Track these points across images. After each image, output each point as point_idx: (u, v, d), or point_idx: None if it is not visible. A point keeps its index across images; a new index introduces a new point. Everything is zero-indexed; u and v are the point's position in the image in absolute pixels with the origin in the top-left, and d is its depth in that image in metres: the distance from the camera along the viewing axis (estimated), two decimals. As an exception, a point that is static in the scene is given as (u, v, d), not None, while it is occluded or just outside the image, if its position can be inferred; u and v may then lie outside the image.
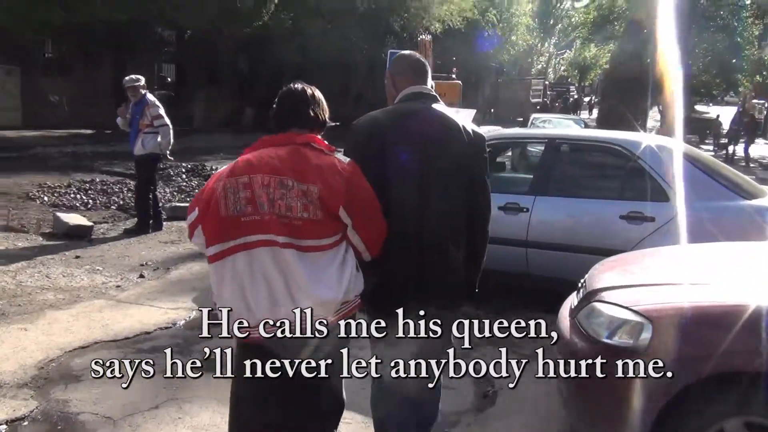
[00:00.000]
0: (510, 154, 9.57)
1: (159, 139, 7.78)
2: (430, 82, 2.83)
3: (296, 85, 2.55)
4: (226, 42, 22.21)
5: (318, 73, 25.31)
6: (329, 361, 2.35)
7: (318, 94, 2.57)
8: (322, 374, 2.34)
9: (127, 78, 7.81)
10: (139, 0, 17.92)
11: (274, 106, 2.54)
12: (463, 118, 2.79)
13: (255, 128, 24.40)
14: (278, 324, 2.26)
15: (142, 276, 6.03)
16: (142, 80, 7.86)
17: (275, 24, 20.56)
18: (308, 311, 2.25)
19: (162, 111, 7.79)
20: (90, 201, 10.04)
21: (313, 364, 2.32)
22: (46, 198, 9.96)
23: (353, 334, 2.44)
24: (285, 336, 2.26)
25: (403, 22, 26.48)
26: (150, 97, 7.83)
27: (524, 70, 47.37)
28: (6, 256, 6.36)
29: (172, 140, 7.90)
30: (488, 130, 6.68)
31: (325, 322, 2.28)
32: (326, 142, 2.45)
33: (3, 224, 7.72)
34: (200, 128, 22.19)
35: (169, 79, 27.25)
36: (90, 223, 7.55)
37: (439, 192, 2.60)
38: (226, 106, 24.42)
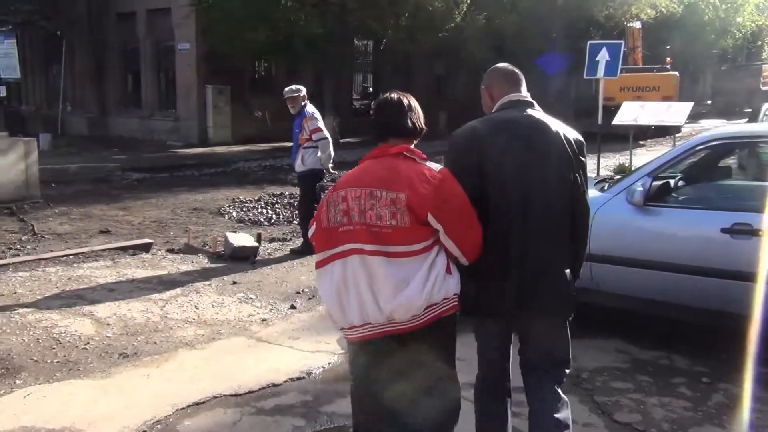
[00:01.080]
0: (737, 157, 7.83)
1: (319, 153, 7.38)
2: (525, 90, 2.82)
3: (392, 95, 2.65)
4: (420, 48, 21.92)
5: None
6: (426, 362, 2.49)
7: (413, 102, 2.67)
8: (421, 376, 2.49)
9: (286, 89, 7.49)
10: (337, 13, 18.20)
11: (372, 116, 2.68)
12: (560, 125, 2.77)
13: (449, 133, 23.90)
14: (363, 326, 2.45)
15: (293, 307, 5.61)
16: (303, 90, 7.46)
17: (468, 24, 19.79)
18: (390, 313, 2.41)
19: (321, 123, 7.40)
20: (274, 215, 10.08)
21: (409, 364, 2.48)
22: (234, 213, 10.16)
23: (448, 334, 2.55)
24: (372, 338, 2.45)
25: (609, 10, 24.35)
26: (309, 109, 7.44)
27: (752, 55, 41.84)
28: (165, 282, 6.31)
29: (332, 153, 7.50)
30: (707, 127, 5.34)
31: (412, 324, 2.43)
32: (419, 151, 2.57)
33: (185, 242, 7.83)
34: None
35: (370, 89, 27.74)
36: (255, 244, 7.35)
37: (539, 199, 2.64)
38: (424, 112, 24.16)
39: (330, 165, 7.57)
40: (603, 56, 12.09)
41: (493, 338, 2.81)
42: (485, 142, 2.65)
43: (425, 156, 2.56)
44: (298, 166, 7.45)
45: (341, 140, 20.62)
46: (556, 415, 2.68)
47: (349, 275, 2.44)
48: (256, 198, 11.38)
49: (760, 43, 40.81)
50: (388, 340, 2.46)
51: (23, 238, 8.06)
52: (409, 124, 2.60)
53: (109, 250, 7.18)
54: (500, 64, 2.94)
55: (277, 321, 5.27)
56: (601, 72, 12.12)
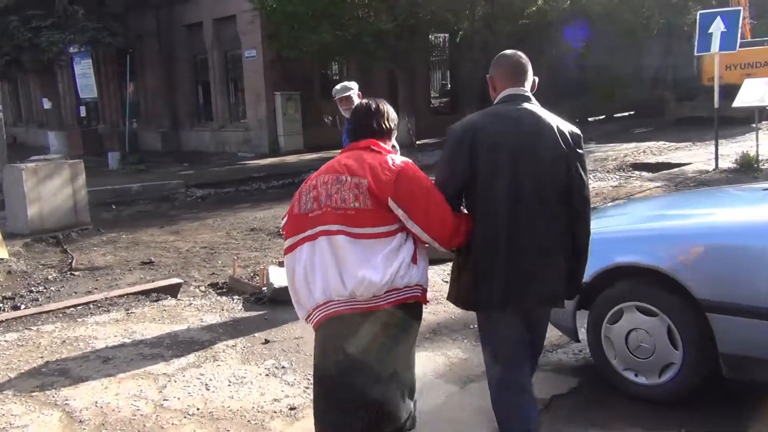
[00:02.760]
0: None
1: None
2: (530, 82, 2.88)
3: (364, 102, 2.89)
4: (500, 38, 20.31)
5: (606, 57, 22.22)
6: (386, 346, 2.55)
7: (383, 107, 2.86)
8: (377, 358, 2.53)
9: (336, 87, 5.94)
10: (406, 6, 16.90)
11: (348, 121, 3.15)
12: (554, 118, 2.82)
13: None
14: (327, 303, 2.53)
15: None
16: (355, 87, 5.90)
17: (551, 8, 18.00)
18: (353, 290, 2.49)
19: None
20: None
21: (369, 347, 2.52)
22: (294, 234, 8.97)
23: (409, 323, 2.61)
24: (336, 316, 2.53)
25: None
26: None
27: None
28: (180, 343, 5.02)
29: None
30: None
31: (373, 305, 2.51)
32: (385, 146, 2.75)
33: (230, 274, 6.72)
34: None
35: (448, 86, 26.21)
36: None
37: (529, 190, 2.69)
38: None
39: None
40: (717, 27, 10.23)
41: (498, 330, 2.83)
42: (478, 132, 2.73)
43: (391, 150, 2.75)
44: None
45: (417, 141, 19.30)
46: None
47: (316, 256, 2.55)
48: (320, 214, 10.20)
49: None
50: (350, 318, 2.51)
51: (51, 277, 7.15)
52: (376, 125, 2.78)
53: (128, 296, 6.07)
54: (507, 53, 2.96)
55: (311, 410, 3.89)
56: (716, 46, 10.25)
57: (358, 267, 2.47)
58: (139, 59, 22.10)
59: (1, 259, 7.40)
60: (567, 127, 2.79)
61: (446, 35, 22.85)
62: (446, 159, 2.74)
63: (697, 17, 10.63)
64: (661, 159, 13.97)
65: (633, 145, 16.85)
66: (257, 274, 6.68)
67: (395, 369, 2.59)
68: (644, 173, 12.43)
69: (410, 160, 2.68)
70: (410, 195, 2.55)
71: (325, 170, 2.66)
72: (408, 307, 2.58)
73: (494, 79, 2.89)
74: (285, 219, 2.74)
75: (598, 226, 3.23)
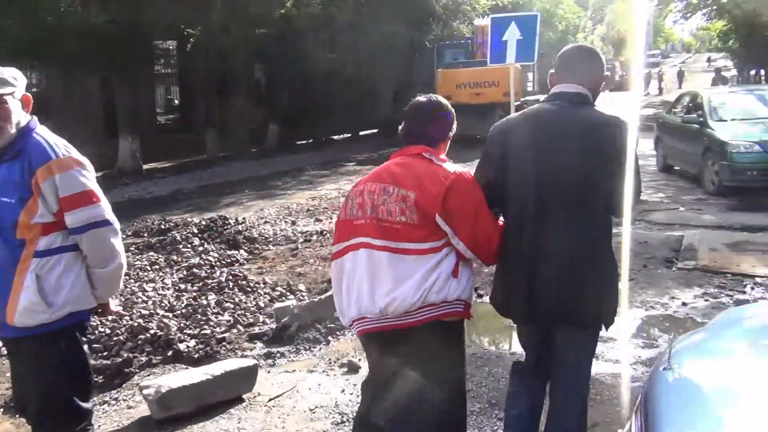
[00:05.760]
0: None
1: (83, 268, 2.84)
2: (586, 78, 2.66)
3: (422, 99, 2.66)
4: (238, 46, 17.69)
5: (353, 71, 20.82)
6: (424, 365, 2.41)
7: (444, 103, 2.67)
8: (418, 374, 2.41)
9: None
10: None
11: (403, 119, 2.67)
12: (593, 119, 2.61)
13: (282, 148, 19.86)
14: (361, 319, 2.47)
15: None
16: (17, 84, 2.61)
17: (299, 14, 15.87)
18: (383, 307, 2.38)
19: (88, 177, 2.75)
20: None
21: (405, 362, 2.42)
22: None
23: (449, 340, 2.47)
24: (370, 332, 2.46)
25: (446, 1, 21.78)
26: (43, 136, 2.76)
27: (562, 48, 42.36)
28: None
29: (122, 260, 3.05)
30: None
31: (408, 321, 2.39)
32: (439, 152, 2.59)
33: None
34: (215, 159, 17.63)
35: (176, 101, 22.69)
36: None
37: (555, 198, 2.54)
38: (245, 126, 19.85)
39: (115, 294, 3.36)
40: (512, 34, 8.80)
41: (527, 340, 2.84)
42: (511, 134, 2.66)
43: (445, 158, 2.59)
44: (20, 317, 2.57)
45: (145, 166, 15.85)
46: None
47: (357, 267, 2.46)
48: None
49: (571, 37, 41.25)
50: (389, 336, 2.44)
51: None
52: (434, 130, 2.63)
53: None
54: (568, 47, 2.83)
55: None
56: (512, 56, 8.81)
57: (393, 285, 2.38)
58: None
59: None
60: (609, 131, 2.53)
61: (174, 42, 19.56)
62: (479, 164, 2.71)
63: (489, 22, 9.20)
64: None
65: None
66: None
67: (441, 389, 2.46)
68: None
69: (466, 171, 2.56)
70: (458, 212, 2.45)
71: (373, 177, 2.59)
72: (446, 323, 2.45)
73: (552, 75, 2.75)
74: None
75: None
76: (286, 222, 9.35)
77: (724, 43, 33.48)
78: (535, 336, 2.77)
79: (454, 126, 2.67)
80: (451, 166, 2.52)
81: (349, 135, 23.42)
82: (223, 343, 4.52)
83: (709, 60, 57.04)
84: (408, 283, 2.36)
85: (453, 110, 2.67)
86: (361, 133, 23.75)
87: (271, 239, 8.23)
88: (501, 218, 2.67)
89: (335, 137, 23.04)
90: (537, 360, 2.80)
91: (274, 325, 4.88)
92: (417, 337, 2.39)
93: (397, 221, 2.41)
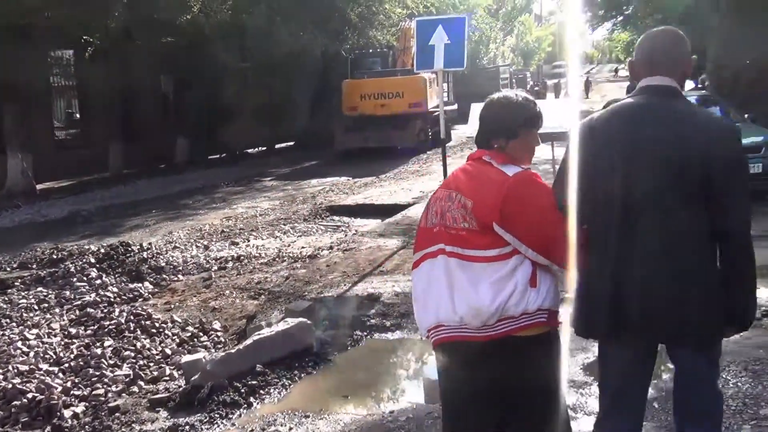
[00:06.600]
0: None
1: None
2: (675, 70, 2.34)
3: (497, 97, 2.50)
4: (143, 53, 16.44)
5: (267, 81, 19.89)
6: (509, 380, 2.29)
7: (526, 103, 2.47)
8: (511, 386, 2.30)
9: None
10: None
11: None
12: (694, 116, 2.32)
13: (193, 163, 18.70)
14: (438, 327, 2.35)
15: None
16: None
17: (210, 18, 14.89)
18: (463, 316, 2.28)
19: None
20: None
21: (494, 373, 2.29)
22: None
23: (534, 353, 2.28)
24: (447, 341, 2.34)
25: (361, 9, 21.20)
26: None
27: (476, 58, 42.75)
28: None
29: None
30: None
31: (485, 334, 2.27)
32: (501, 155, 2.39)
33: None
34: (118, 176, 16.34)
35: (77, 116, 21.01)
36: None
37: (649, 207, 2.25)
38: (152, 141, 18.56)
39: None
40: (440, 38, 8.26)
41: (612, 362, 2.39)
42: (595, 132, 2.35)
43: (505, 160, 2.38)
44: None
45: (39, 186, 14.46)
46: None
47: (434, 274, 2.38)
48: None
49: (482, 47, 41.62)
50: (467, 348, 2.30)
51: None
52: (503, 131, 2.42)
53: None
54: (655, 31, 2.45)
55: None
56: (440, 61, 8.26)
57: (468, 292, 2.28)
58: None
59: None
60: (713, 130, 2.23)
61: (71, 51, 18.08)
62: (561, 163, 2.44)
63: (414, 26, 8.64)
64: (358, 199, 11.77)
65: (315, 181, 14.59)
66: None
67: (537, 408, 2.32)
68: (355, 220, 10.09)
69: (528, 172, 2.36)
70: (520, 219, 2.28)
71: (444, 183, 2.57)
72: (531, 337, 2.27)
73: (633, 66, 2.42)
74: None
75: None
76: (197, 247, 8.41)
77: (628, 54, 34.60)
78: (625, 356, 2.40)
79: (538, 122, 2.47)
80: (511, 169, 2.34)
81: (264, 148, 22.44)
82: (117, 414, 3.64)
83: (616, 71, 59.42)
84: (480, 290, 2.26)
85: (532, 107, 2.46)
86: (277, 146, 22.81)
87: (180, 268, 7.32)
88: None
89: (250, 151, 22.03)
90: (630, 391, 2.43)
91: (182, 381, 4.05)
92: (497, 349, 2.26)
93: (461, 228, 2.33)
